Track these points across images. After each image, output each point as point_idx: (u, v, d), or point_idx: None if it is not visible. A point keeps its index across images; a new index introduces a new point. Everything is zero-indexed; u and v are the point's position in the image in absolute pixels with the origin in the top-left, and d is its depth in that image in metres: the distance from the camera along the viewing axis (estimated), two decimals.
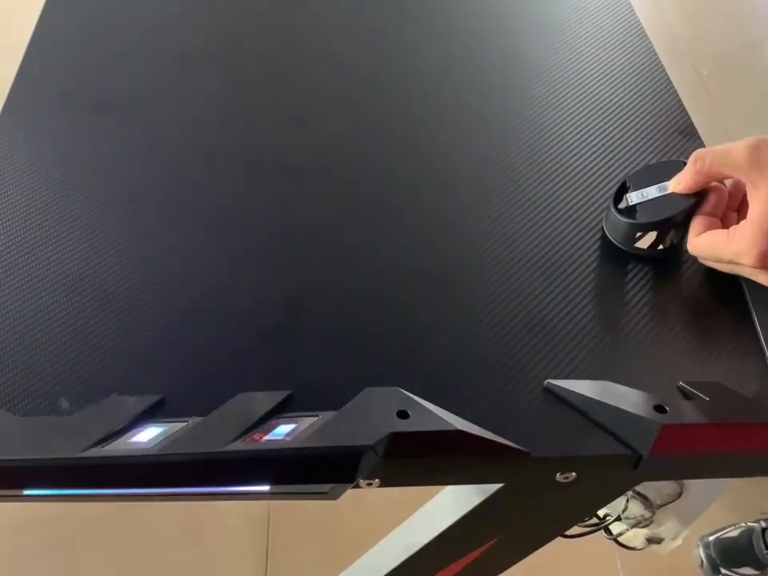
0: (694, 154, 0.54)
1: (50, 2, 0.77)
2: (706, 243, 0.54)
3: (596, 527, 0.71)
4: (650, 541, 0.74)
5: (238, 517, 1.33)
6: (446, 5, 0.82)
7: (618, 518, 0.70)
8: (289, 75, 0.72)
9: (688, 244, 0.56)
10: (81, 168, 0.61)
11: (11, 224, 0.56)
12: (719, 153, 0.53)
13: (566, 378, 0.50)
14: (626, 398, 0.47)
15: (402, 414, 0.44)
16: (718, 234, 0.53)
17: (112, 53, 0.72)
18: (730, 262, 0.53)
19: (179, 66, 0.71)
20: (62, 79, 0.69)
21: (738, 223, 0.52)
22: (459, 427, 0.43)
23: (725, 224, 0.55)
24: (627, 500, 0.68)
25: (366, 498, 1.31)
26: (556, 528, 0.58)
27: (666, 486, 0.66)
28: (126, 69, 0.71)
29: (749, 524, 1.19)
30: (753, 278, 0.53)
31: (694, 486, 0.66)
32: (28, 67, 0.70)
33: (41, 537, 1.30)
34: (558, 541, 0.61)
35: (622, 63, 0.76)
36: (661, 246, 0.58)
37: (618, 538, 0.74)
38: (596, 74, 0.74)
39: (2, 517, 1.31)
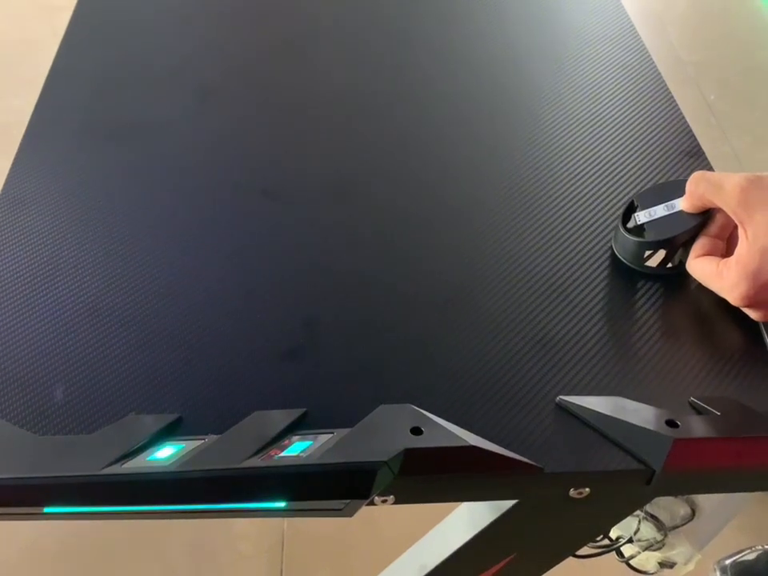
0: (692, 175, 0.55)
1: (67, 36, 0.79)
2: (699, 269, 0.55)
3: (608, 548, 0.70)
4: (663, 565, 0.73)
5: (252, 542, 1.33)
6: (454, 34, 0.83)
7: (630, 540, 0.70)
8: (304, 105, 0.73)
9: (686, 264, 0.57)
10: (100, 197, 0.62)
11: (32, 251, 0.57)
12: (712, 183, 0.53)
13: (578, 394, 0.50)
14: (638, 413, 0.48)
15: (416, 431, 0.44)
16: (711, 264, 0.54)
17: (129, 85, 0.74)
18: (718, 293, 0.54)
19: (196, 97, 0.73)
20: (80, 111, 0.71)
21: None
22: (473, 443, 0.44)
23: (731, 245, 0.56)
24: (639, 521, 0.68)
25: (380, 521, 1.30)
26: (570, 545, 0.58)
27: (678, 509, 0.66)
28: (142, 100, 0.72)
29: (765, 547, 1.17)
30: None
31: (706, 508, 0.66)
32: (47, 99, 0.71)
33: (54, 564, 1.30)
34: (570, 562, 0.61)
35: (629, 88, 0.77)
36: (670, 264, 0.58)
37: (630, 561, 0.73)
38: (603, 99, 0.75)
39: (15, 543, 1.31)
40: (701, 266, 0.55)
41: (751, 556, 1.20)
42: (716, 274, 0.53)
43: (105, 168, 0.65)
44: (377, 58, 0.79)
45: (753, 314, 0.53)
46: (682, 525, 0.66)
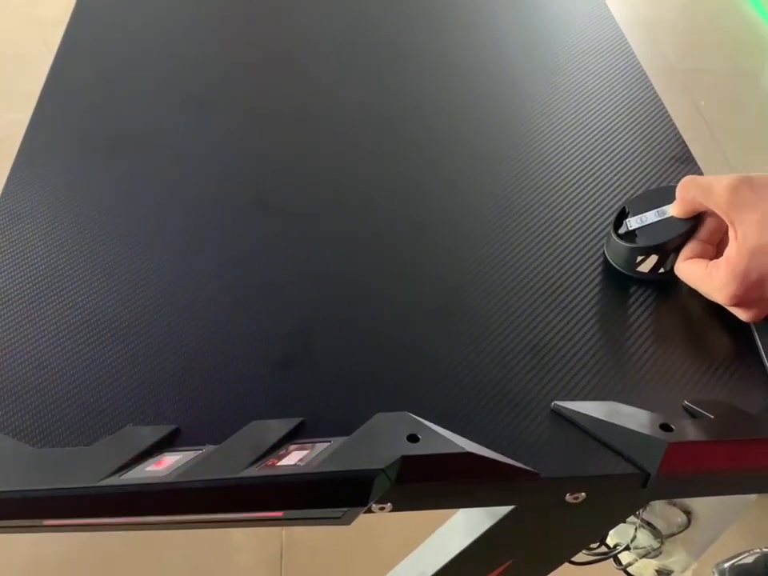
0: (682, 181, 0.56)
1: (61, 50, 0.80)
2: (688, 272, 0.56)
3: (605, 555, 0.71)
4: (660, 573, 0.73)
5: (251, 553, 1.32)
6: (446, 45, 0.84)
7: (627, 548, 0.70)
8: (298, 118, 0.74)
9: (675, 267, 0.57)
10: (95, 210, 0.63)
11: (28, 265, 0.58)
12: (702, 186, 0.54)
13: (573, 399, 0.50)
14: (633, 417, 0.48)
15: (413, 438, 0.44)
16: (700, 266, 0.55)
17: (124, 97, 0.74)
18: (707, 294, 0.55)
19: (191, 109, 0.73)
20: (75, 125, 0.71)
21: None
22: (469, 449, 0.44)
23: (721, 249, 0.56)
24: (636, 529, 0.68)
25: (378, 530, 1.30)
26: (567, 550, 0.58)
27: (675, 517, 0.66)
28: (138, 112, 0.73)
29: (764, 550, 1.17)
30: (729, 310, 0.55)
31: (702, 517, 0.66)
32: (42, 112, 0.72)
33: None
34: (568, 569, 0.61)
35: (619, 96, 0.78)
36: (662, 270, 0.59)
37: (628, 569, 0.73)
38: (593, 107, 0.76)
39: (13, 556, 1.30)
40: (689, 269, 0.56)
41: (749, 559, 1.20)
42: (705, 275, 0.54)
43: (100, 181, 0.65)
44: (371, 69, 0.80)
45: (742, 315, 0.54)
46: (679, 533, 0.66)
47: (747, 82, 2.47)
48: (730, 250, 0.51)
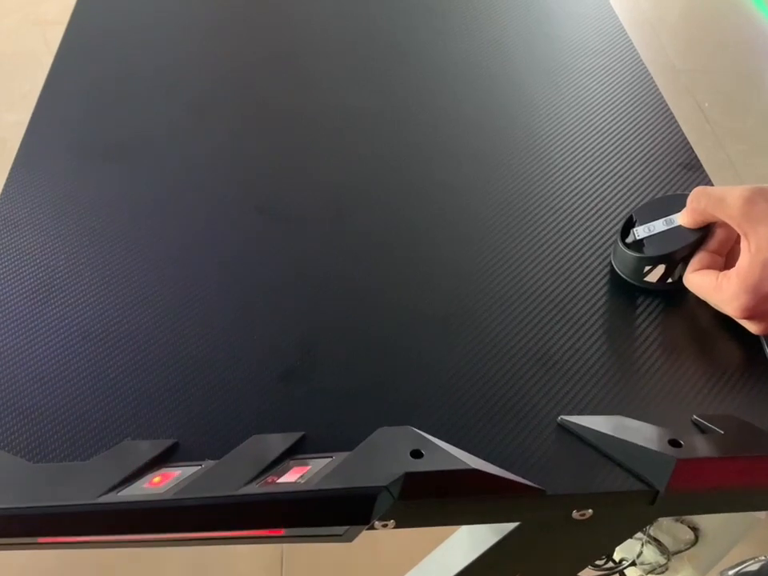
0: (693, 191, 0.55)
1: (60, 51, 0.79)
2: (697, 283, 0.55)
3: (611, 571, 0.70)
4: None
5: (251, 562, 1.31)
6: (449, 47, 0.83)
7: (633, 564, 0.69)
8: (299, 122, 0.73)
9: (684, 278, 0.56)
10: (93, 216, 0.62)
11: (25, 274, 0.57)
12: (714, 197, 0.53)
13: (579, 413, 0.49)
14: (640, 432, 0.47)
15: (416, 454, 0.43)
16: (710, 277, 0.54)
17: (123, 100, 0.73)
18: (717, 306, 0.54)
19: (190, 114, 0.73)
20: (74, 128, 0.70)
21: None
22: (474, 466, 0.43)
23: (731, 259, 0.55)
24: (642, 545, 0.67)
25: (380, 541, 1.29)
26: (573, 566, 0.57)
27: (682, 533, 0.65)
28: (136, 117, 0.72)
29: None
30: (738, 322, 0.54)
31: (709, 534, 0.65)
32: (40, 116, 0.71)
33: None
34: None
35: (625, 100, 0.77)
36: (670, 279, 0.58)
37: None
38: (599, 111, 0.75)
39: (7, 567, 1.30)
40: (699, 280, 0.55)
41: (754, 567, 1.19)
42: (715, 286, 0.53)
43: (99, 185, 0.64)
44: (373, 73, 0.79)
45: (752, 327, 0.53)
46: (686, 549, 0.65)
47: (751, 83, 2.46)
48: (742, 262, 0.50)
